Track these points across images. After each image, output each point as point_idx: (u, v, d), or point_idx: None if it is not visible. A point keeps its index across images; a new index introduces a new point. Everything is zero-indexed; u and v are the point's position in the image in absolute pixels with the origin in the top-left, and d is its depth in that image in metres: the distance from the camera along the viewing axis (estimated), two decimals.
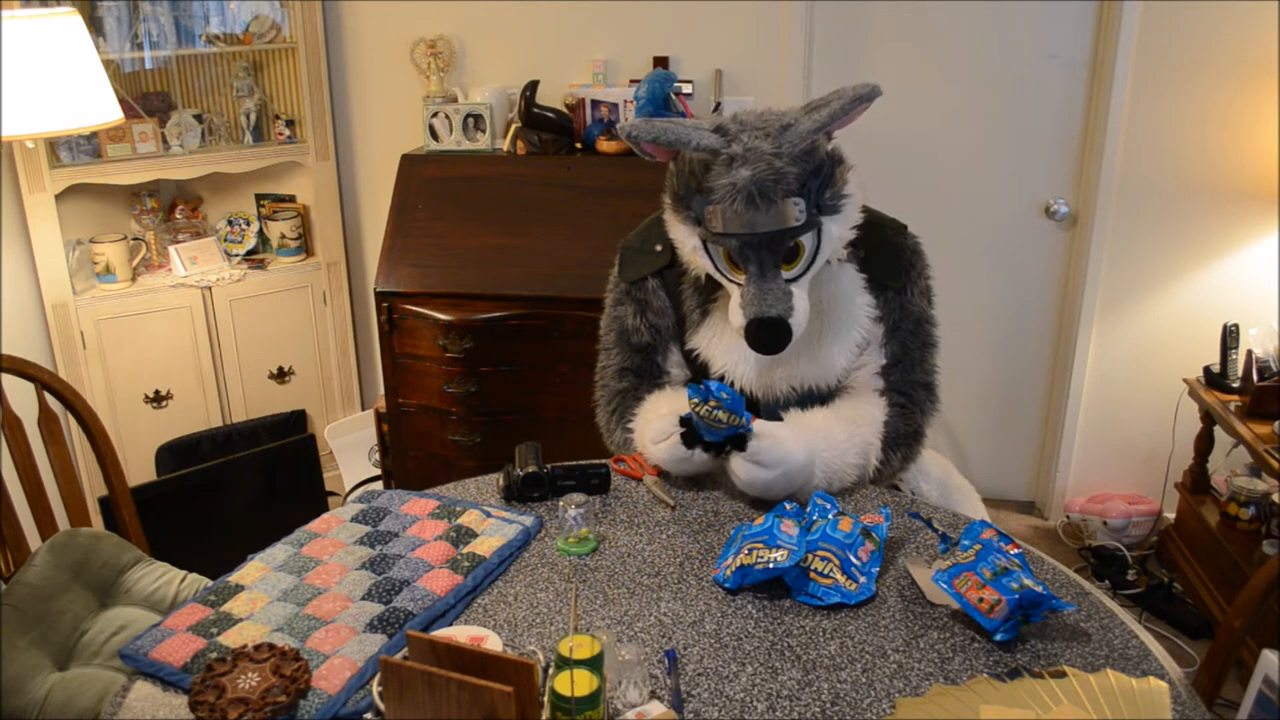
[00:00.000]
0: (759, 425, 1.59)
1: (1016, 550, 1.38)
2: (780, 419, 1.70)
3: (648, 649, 1.27)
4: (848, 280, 1.69)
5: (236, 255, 3.31)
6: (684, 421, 1.61)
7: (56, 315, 2.95)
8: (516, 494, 1.66)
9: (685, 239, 1.62)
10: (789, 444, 1.57)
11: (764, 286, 1.53)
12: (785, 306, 1.53)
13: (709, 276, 1.65)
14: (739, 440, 1.58)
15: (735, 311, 1.57)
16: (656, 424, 1.67)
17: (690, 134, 1.52)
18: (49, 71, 2.10)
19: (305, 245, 3.38)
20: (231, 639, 1.28)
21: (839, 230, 1.59)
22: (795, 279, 1.57)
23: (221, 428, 3.17)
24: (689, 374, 1.82)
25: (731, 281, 1.60)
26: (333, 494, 3.19)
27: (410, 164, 2.91)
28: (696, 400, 1.55)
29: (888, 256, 1.71)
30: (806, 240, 1.55)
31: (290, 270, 3.31)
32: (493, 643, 1.25)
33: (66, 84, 2.12)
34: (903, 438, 1.70)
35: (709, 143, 1.52)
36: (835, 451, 1.64)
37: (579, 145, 2.92)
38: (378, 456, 3.15)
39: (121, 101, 2.58)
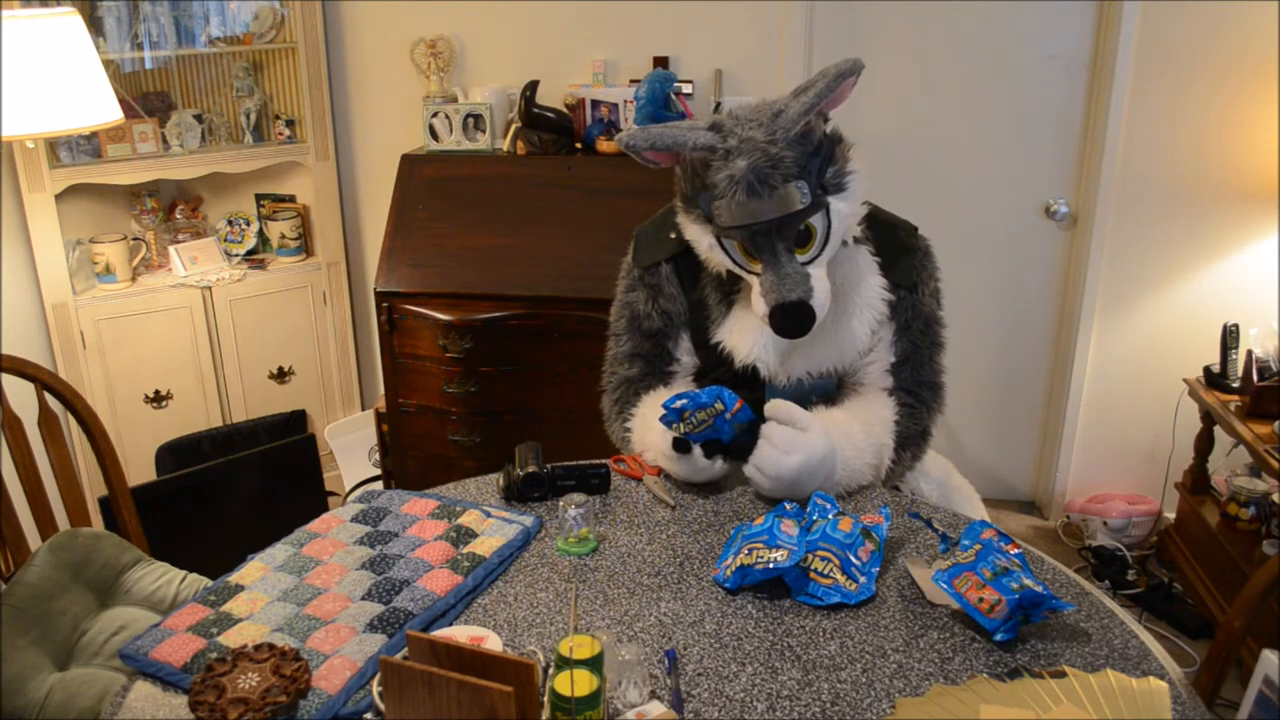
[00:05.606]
0: (778, 402, 1.62)
1: (1016, 550, 1.38)
2: (804, 405, 1.72)
3: (648, 649, 1.27)
4: (862, 261, 1.70)
5: (236, 255, 3.31)
6: (676, 443, 1.63)
7: (56, 315, 2.95)
8: (516, 494, 1.66)
9: (700, 238, 1.64)
10: (812, 430, 1.58)
11: (781, 272, 1.55)
12: (805, 289, 1.55)
13: (730, 271, 1.66)
14: (740, 449, 1.61)
15: (757, 301, 1.59)
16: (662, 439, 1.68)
17: (685, 135, 1.55)
18: (49, 71, 2.09)
19: (305, 245, 3.38)
20: (231, 639, 1.28)
21: (848, 208, 1.60)
22: (811, 261, 1.58)
23: (221, 428, 3.16)
24: (698, 362, 1.83)
25: (750, 273, 1.61)
26: (333, 494, 3.18)
27: (410, 164, 2.91)
28: (675, 424, 1.59)
29: (901, 257, 1.72)
30: (816, 222, 1.57)
31: (290, 270, 3.31)
32: (493, 643, 1.25)
33: (66, 84, 2.12)
34: (912, 438, 1.73)
35: (705, 140, 1.55)
36: (854, 450, 1.64)
37: (579, 145, 2.92)
38: (378, 456, 3.15)
39: (121, 101, 2.58)
